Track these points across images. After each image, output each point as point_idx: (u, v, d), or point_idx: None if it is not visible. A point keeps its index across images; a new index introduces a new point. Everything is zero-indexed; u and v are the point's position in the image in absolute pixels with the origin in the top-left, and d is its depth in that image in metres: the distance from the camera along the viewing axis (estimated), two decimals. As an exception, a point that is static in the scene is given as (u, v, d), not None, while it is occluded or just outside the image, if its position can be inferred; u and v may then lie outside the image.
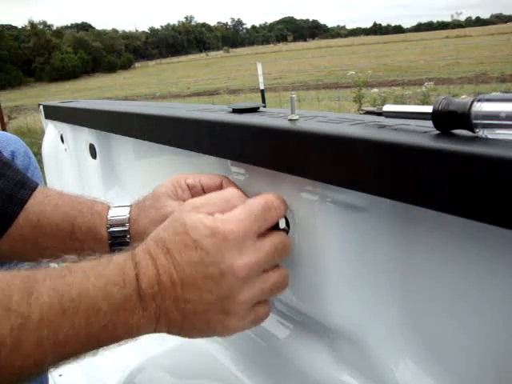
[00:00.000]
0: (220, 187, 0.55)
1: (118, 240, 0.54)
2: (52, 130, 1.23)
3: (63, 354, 0.35)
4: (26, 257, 0.57)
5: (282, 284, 0.46)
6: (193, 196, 0.55)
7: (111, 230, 0.54)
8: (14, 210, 0.54)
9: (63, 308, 0.34)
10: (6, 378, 0.32)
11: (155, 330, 0.41)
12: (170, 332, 0.42)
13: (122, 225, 0.54)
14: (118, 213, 0.55)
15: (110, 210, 0.56)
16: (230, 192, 0.47)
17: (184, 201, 0.53)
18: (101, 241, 0.54)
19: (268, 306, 0.46)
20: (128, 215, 0.55)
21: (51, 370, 0.37)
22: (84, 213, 0.55)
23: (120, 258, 0.40)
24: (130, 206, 0.56)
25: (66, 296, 0.35)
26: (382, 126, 0.41)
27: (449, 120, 0.35)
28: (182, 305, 0.39)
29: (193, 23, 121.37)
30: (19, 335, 0.32)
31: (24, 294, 0.34)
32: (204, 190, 0.55)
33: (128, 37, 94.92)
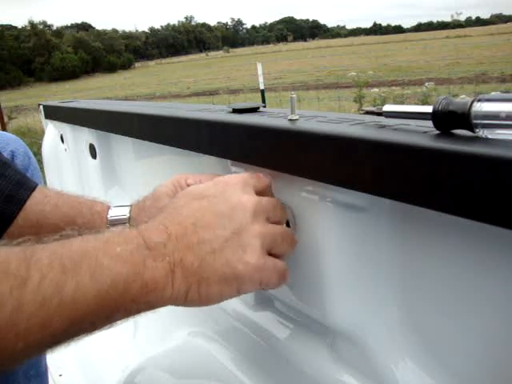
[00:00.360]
0: None
1: None
2: (52, 130, 1.23)
3: (73, 318, 0.33)
4: None
5: (289, 239, 0.45)
6: None
7: (111, 229, 0.54)
8: (12, 209, 0.54)
9: (63, 266, 0.33)
10: (11, 340, 0.31)
11: (173, 289, 0.37)
12: (189, 292, 0.38)
13: (123, 224, 0.54)
14: (118, 212, 0.55)
15: (110, 210, 0.56)
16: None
17: None
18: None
19: (285, 263, 0.44)
20: (128, 215, 0.55)
21: (66, 343, 0.34)
22: (84, 213, 0.55)
23: (118, 228, 0.39)
24: (130, 205, 0.56)
25: (65, 256, 0.34)
26: (382, 126, 0.41)
27: (449, 120, 0.35)
28: (196, 247, 0.38)
29: (193, 23, 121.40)
30: (20, 295, 0.31)
31: (22, 259, 0.33)
32: None
33: (128, 37, 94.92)
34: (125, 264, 0.35)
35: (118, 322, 0.36)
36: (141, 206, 0.55)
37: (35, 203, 0.55)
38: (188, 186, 0.55)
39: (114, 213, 0.55)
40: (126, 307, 0.36)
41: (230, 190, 0.43)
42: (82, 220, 0.55)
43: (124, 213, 0.55)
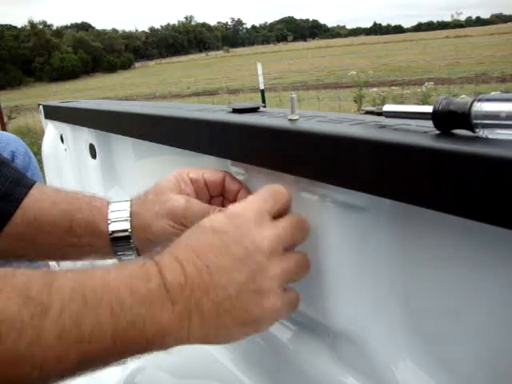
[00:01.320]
0: (223, 183, 0.55)
1: (119, 234, 0.53)
2: (52, 130, 1.23)
3: (88, 353, 0.33)
4: (25, 255, 0.57)
5: (304, 266, 0.45)
6: (196, 190, 0.55)
7: (112, 224, 0.53)
8: (9, 207, 0.53)
9: (85, 298, 0.33)
10: (27, 370, 0.31)
11: (189, 334, 0.37)
12: (207, 336, 0.39)
13: (123, 219, 0.54)
14: (119, 207, 0.55)
15: (109, 205, 0.55)
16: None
17: (188, 195, 0.53)
18: (101, 236, 0.54)
19: (296, 292, 0.45)
20: (129, 209, 0.54)
21: (74, 377, 0.34)
22: (83, 209, 0.55)
23: (139, 260, 0.39)
24: (130, 200, 0.56)
25: (87, 287, 0.34)
26: (382, 126, 0.41)
27: (449, 120, 0.35)
28: (212, 292, 0.38)
29: (193, 23, 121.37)
30: (40, 324, 0.31)
31: (44, 285, 0.33)
32: (207, 185, 0.55)
33: (128, 37, 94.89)
34: (144, 304, 0.35)
35: (128, 359, 0.36)
36: (143, 200, 0.54)
37: (33, 200, 0.55)
38: (191, 179, 0.55)
39: (114, 207, 0.55)
40: (141, 347, 0.35)
41: (244, 226, 0.40)
42: (81, 216, 0.54)
43: (124, 207, 0.54)
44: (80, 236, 0.54)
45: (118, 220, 0.54)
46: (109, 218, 0.54)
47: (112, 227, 0.53)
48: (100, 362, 0.35)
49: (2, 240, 0.53)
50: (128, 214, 0.54)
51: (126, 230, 0.53)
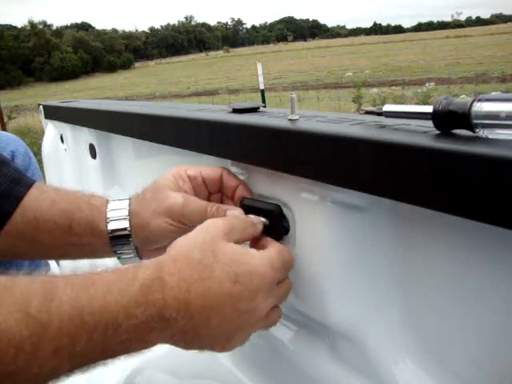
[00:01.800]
0: (221, 179, 0.55)
1: (118, 233, 0.53)
2: (52, 130, 1.23)
3: (79, 364, 0.35)
4: (25, 254, 0.56)
5: (287, 291, 0.48)
6: (194, 187, 0.55)
7: (111, 223, 0.53)
8: (9, 206, 0.53)
9: (83, 321, 0.34)
10: (22, 381, 0.32)
11: (166, 343, 0.41)
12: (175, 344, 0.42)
13: (123, 218, 0.54)
14: (118, 206, 0.55)
15: (108, 204, 0.55)
16: (244, 218, 0.49)
17: (185, 192, 0.53)
18: (100, 235, 0.53)
19: (280, 310, 0.48)
20: (128, 208, 0.54)
21: (65, 377, 0.36)
22: (82, 208, 0.54)
23: (147, 275, 0.39)
24: (129, 198, 0.56)
25: (86, 309, 0.35)
26: (382, 126, 0.41)
27: (449, 120, 0.35)
28: (201, 330, 0.40)
29: (193, 23, 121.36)
30: (38, 342, 0.32)
31: (44, 299, 0.33)
32: (205, 182, 0.55)
33: (128, 37, 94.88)
34: (137, 330, 0.37)
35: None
36: (141, 199, 0.54)
37: (32, 199, 0.55)
38: (188, 177, 0.55)
39: (113, 206, 0.54)
40: (124, 354, 0.39)
41: (259, 290, 0.42)
42: (81, 215, 0.54)
43: (123, 206, 0.54)
44: (80, 235, 0.54)
45: (117, 219, 0.53)
46: (108, 216, 0.54)
47: (111, 226, 0.53)
48: (87, 368, 0.37)
49: (2, 239, 0.53)
50: (127, 213, 0.54)
51: (125, 229, 0.53)
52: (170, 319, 0.38)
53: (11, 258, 0.57)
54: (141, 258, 0.56)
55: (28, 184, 0.56)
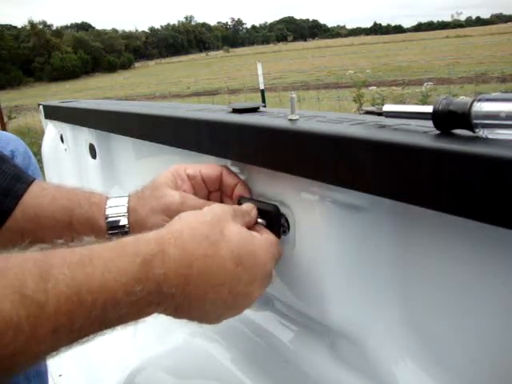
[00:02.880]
0: (220, 178, 0.55)
1: (117, 230, 0.53)
2: (52, 130, 1.23)
3: (77, 339, 0.35)
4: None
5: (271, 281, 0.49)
6: (193, 186, 0.55)
7: (110, 219, 0.53)
8: (9, 203, 0.53)
9: (81, 300, 0.34)
10: (22, 361, 0.32)
11: (158, 313, 0.41)
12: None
13: (121, 215, 0.54)
14: (116, 203, 0.55)
15: (108, 201, 0.55)
16: (241, 208, 0.49)
17: (184, 191, 0.53)
18: (99, 231, 0.53)
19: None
20: (127, 205, 0.54)
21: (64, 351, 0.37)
22: (82, 204, 0.54)
23: (149, 249, 0.38)
24: (128, 196, 0.56)
25: (84, 288, 0.34)
26: (382, 126, 0.41)
27: (449, 120, 0.35)
28: (194, 306, 0.41)
29: (193, 23, 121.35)
30: (35, 322, 0.32)
31: (39, 280, 0.33)
32: (204, 181, 0.55)
33: (128, 37, 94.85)
34: (135, 305, 0.37)
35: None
36: (140, 196, 0.55)
37: (33, 196, 0.55)
38: (188, 176, 0.55)
39: (112, 203, 0.54)
40: (119, 325, 0.38)
41: (257, 274, 0.43)
42: (80, 211, 0.54)
43: (122, 203, 0.54)
44: (80, 231, 0.54)
45: (116, 215, 0.54)
46: (106, 213, 0.54)
47: (110, 223, 0.53)
48: (85, 342, 0.37)
49: (3, 236, 0.53)
50: (126, 210, 0.54)
51: (123, 226, 0.53)
52: (168, 295, 0.38)
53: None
54: None
55: (28, 181, 0.56)
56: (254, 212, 0.49)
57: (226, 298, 0.42)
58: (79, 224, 0.54)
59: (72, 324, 0.34)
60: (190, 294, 0.39)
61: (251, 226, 0.49)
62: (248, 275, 0.42)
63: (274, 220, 0.50)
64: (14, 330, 0.31)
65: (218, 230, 0.42)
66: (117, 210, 0.54)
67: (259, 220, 0.49)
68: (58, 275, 0.34)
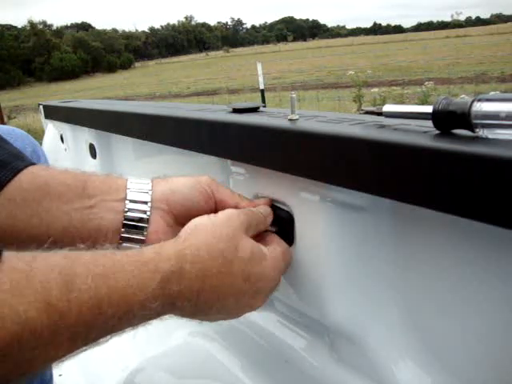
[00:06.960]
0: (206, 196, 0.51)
1: (138, 198, 0.50)
2: (52, 130, 1.23)
3: (90, 344, 0.37)
4: (25, 229, 0.51)
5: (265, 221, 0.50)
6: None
7: (131, 192, 0.50)
8: (20, 165, 0.49)
9: (101, 312, 0.35)
10: (38, 366, 0.34)
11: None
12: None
13: (145, 191, 0.50)
14: (139, 180, 0.51)
15: (128, 183, 0.51)
16: (258, 213, 0.49)
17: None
18: (117, 192, 0.50)
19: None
20: (150, 183, 0.51)
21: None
22: (98, 175, 0.52)
23: (169, 266, 0.39)
24: (151, 186, 0.51)
25: (105, 301, 0.35)
26: (382, 126, 0.41)
27: (449, 120, 0.35)
28: (199, 313, 0.43)
29: (193, 23, 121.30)
30: (55, 330, 0.33)
31: (64, 289, 0.34)
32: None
33: (128, 37, 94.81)
34: (148, 316, 0.39)
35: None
36: (165, 181, 0.52)
37: (43, 169, 0.51)
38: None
39: (133, 179, 0.51)
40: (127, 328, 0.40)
41: (264, 289, 0.45)
42: (97, 177, 0.51)
43: (146, 181, 0.51)
44: (92, 196, 0.50)
45: (139, 191, 0.50)
46: (128, 185, 0.50)
47: (131, 195, 0.50)
48: (95, 343, 0.38)
49: (3, 207, 0.47)
50: (150, 187, 0.51)
51: (146, 203, 0.49)
52: (179, 308, 0.40)
53: (8, 237, 0.52)
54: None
55: (30, 163, 0.52)
56: (270, 219, 0.49)
57: (230, 308, 0.44)
58: (93, 187, 0.50)
59: (89, 333, 0.35)
60: (198, 306, 0.41)
61: (263, 233, 0.49)
62: (253, 290, 0.44)
63: (287, 227, 0.50)
64: (37, 336, 0.32)
65: (233, 246, 0.42)
66: (139, 185, 0.51)
67: (270, 228, 0.49)
68: (81, 285, 0.35)
